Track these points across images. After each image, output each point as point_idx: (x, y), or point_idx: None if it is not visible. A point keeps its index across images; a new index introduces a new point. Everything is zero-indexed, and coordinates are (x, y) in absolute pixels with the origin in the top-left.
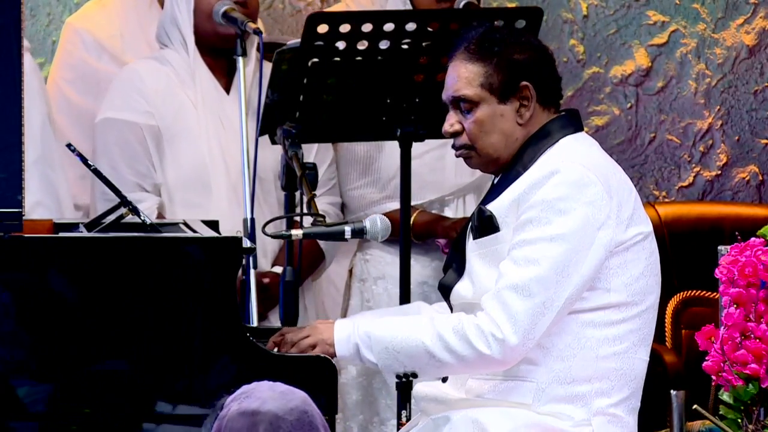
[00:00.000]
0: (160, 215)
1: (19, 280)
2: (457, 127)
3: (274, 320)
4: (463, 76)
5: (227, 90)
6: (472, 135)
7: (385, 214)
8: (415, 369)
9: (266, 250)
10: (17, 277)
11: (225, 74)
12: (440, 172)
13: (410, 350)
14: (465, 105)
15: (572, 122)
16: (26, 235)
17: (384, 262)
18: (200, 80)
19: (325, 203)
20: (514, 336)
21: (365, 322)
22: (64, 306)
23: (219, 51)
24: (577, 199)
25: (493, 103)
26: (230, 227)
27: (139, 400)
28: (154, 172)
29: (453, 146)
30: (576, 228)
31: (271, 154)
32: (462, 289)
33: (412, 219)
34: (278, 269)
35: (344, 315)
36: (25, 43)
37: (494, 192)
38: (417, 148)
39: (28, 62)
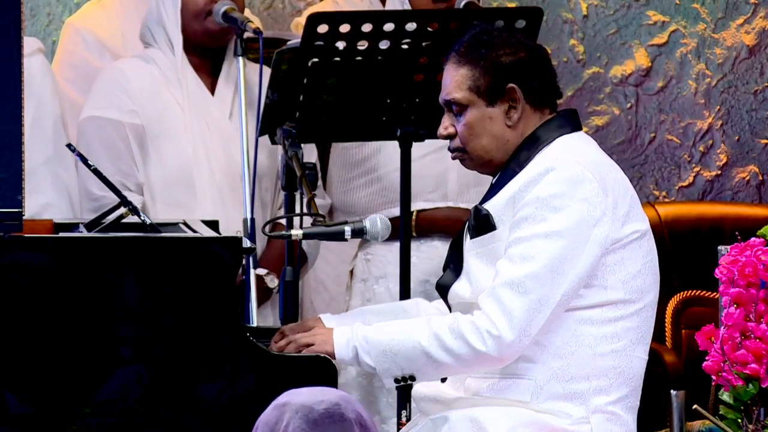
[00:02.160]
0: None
1: (19, 280)
2: (451, 130)
3: (257, 321)
4: (453, 79)
5: (212, 90)
6: (463, 138)
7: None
8: (413, 371)
9: None
10: (17, 277)
11: (210, 74)
12: (442, 174)
13: (407, 352)
14: (456, 108)
15: (569, 122)
16: (26, 235)
17: (386, 261)
18: (186, 81)
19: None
20: (510, 332)
21: (363, 327)
22: (64, 306)
23: (205, 51)
24: (572, 196)
25: (481, 106)
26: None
27: (138, 399)
28: (137, 171)
29: (449, 149)
30: (571, 225)
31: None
32: (459, 288)
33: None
34: (261, 271)
35: None
36: (39, 44)
37: (491, 192)
38: (417, 150)
39: (42, 64)
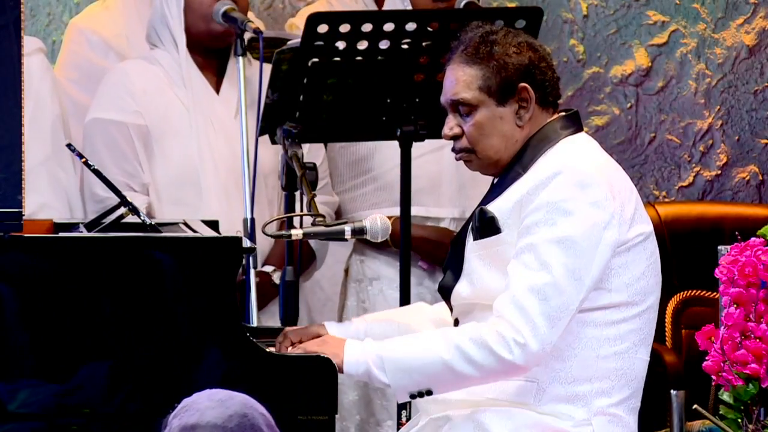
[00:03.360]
0: (149, 215)
1: (19, 280)
2: (457, 130)
3: (265, 319)
4: (461, 79)
5: (217, 90)
6: (472, 138)
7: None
8: (430, 386)
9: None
10: (17, 277)
11: (215, 74)
12: (437, 176)
13: (426, 367)
14: (464, 108)
15: (572, 123)
16: (26, 235)
17: (379, 262)
18: (190, 80)
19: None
20: (535, 340)
21: (374, 343)
22: (63, 306)
23: (210, 51)
24: (582, 200)
25: (491, 106)
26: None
27: (138, 400)
28: (142, 171)
29: (453, 149)
30: (583, 230)
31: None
32: (461, 289)
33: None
34: (268, 268)
35: (340, 316)
36: (40, 44)
37: (493, 193)
38: (412, 151)
39: (42, 63)
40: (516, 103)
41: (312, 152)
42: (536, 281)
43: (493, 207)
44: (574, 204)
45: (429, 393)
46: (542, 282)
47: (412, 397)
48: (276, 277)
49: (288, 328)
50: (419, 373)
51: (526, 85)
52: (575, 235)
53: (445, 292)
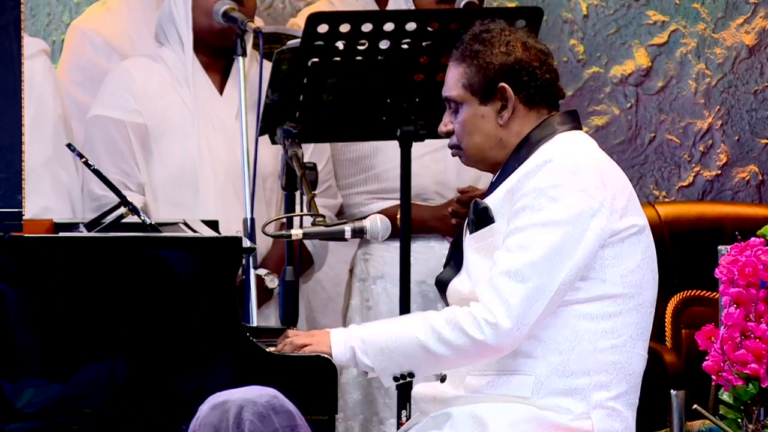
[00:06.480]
0: (145, 214)
1: (19, 280)
2: (450, 126)
3: (257, 322)
4: (452, 76)
5: (221, 90)
6: (458, 135)
7: (381, 211)
8: (411, 367)
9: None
10: (17, 277)
11: (220, 74)
12: (441, 174)
13: (405, 348)
14: (453, 105)
15: (570, 120)
16: (26, 235)
17: (383, 261)
18: (194, 80)
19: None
20: (508, 320)
21: (358, 328)
22: (63, 306)
23: (216, 50)
24: (570, 187)
25: (474, 105)
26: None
27: (138, 400)
28: (138, 171)
29: (448, 145)
30: (569, 215)
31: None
32: (459, 284)
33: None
34: (262, 272)
35: (344, 315)
36: (43, 45)
37: (491, 188)
38: (416, 150)
39: (44, 65)
40: (498, 102)
41: (315, 154)
42: (515, 263)
43: (487, 199)
44: (563, 190)
45: (411, 375)
46: (520, 263)
47: (396, 380)
48: (269, 281)
49: (289, 331)
50: (399, 354)
51: (505, 85)
52: (561, 219)
53: (442, 286)
